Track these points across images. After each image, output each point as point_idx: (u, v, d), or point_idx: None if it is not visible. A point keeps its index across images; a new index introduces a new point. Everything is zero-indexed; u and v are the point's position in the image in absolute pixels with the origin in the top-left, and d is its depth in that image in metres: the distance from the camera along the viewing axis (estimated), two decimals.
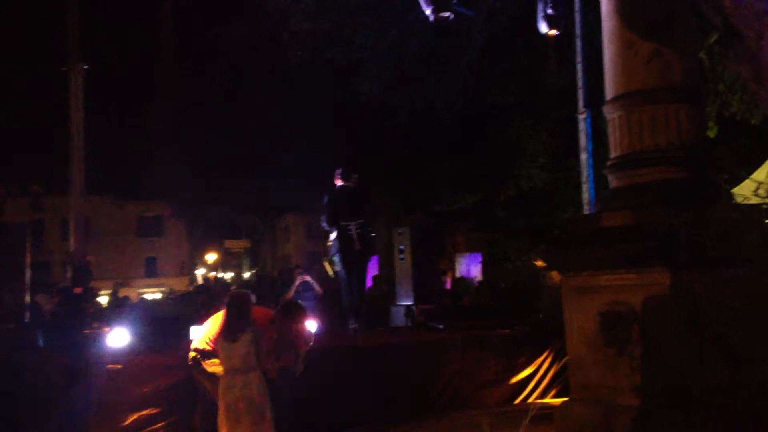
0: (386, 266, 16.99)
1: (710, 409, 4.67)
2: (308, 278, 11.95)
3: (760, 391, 3.97)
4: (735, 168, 13.37)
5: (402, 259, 14.30)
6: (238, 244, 50.11)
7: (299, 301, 9.21)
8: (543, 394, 8.91)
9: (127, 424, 7.36)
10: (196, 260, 49.35)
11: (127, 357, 7.28)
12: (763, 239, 4.02)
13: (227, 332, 5.91)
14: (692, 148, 5.61)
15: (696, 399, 4.77)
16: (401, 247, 14.40)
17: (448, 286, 18.91)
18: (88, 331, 9.66)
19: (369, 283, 17.94)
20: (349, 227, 9.67)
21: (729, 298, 4.11)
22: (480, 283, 18.33)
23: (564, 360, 7.97)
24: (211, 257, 48.42)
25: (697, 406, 4.75)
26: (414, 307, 12.91)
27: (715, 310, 4.19)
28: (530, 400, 8.77)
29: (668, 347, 4.94)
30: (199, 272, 46.03)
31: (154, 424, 6.99)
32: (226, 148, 19.83)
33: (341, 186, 9.93)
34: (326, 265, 16.07)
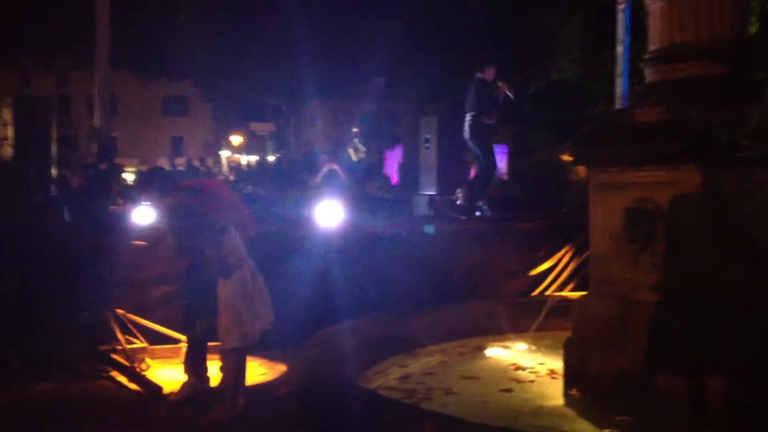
0: (411, 155, 16.93)
1: (731, 312, 4.66)
2: (335, 166, 11.96)
3: None
4: None
5: (427, 148, 14.24)
6: (264, 127, 50.03)
7: (326, 187, 9.27)
8: (561, 288, 8.99)
9: (153, 300, 7.56)
10: (222, 141, 49.46)
11: (152, 234, 7.37)
12: None
13: None
14: (734, 44, 5.39)
15: (716, 299, 4.76)
16: (427, 136, 14.29)
17: (472, 176, 18.86)
18: (113, 208, 9.79)
19: (394, 175, 17.93)
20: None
21: (761, 199, 4.02)
22: (505, 176, 18.25)
23: (584, 255, 7.99)
24: (236, 139, 48.47)
25: (717, 306, 4.75)
26: (437, 197, 12.93)
27: (744, 211, 4.11)
28: (548, 292, 8.85)
29: (692, 246, 4.89)
30: (224, 153, 46.22)
31: (176, 300, 7.14)
32: (254, 29, 19.50)
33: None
34: (351, 151, 16.02)
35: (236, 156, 45.74)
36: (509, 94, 10.59)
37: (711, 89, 5.14)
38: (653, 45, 5.64)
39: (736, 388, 4.57)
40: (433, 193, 13.47)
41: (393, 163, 21.41)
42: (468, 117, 10.56)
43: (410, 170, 15.21)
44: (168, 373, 6.70)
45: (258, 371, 6.79)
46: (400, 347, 6.77)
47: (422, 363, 6.63)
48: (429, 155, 14.13)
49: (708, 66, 5.33)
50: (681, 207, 4.96)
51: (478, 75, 10.56)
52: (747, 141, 4.14)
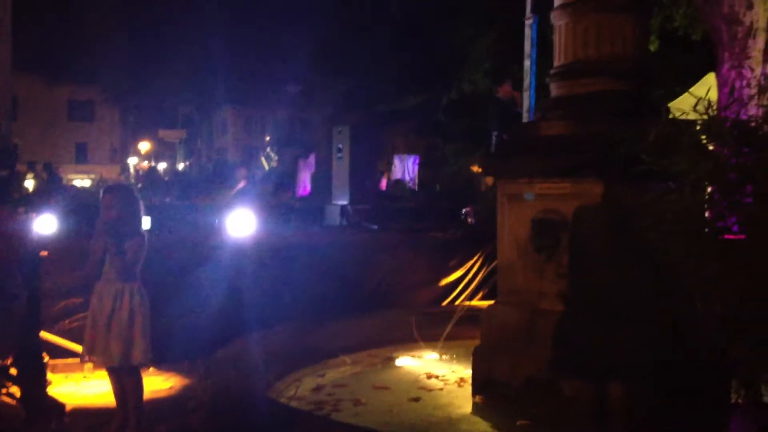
0: (323, 164, 16.92)
1: (632, 319, 4.83)
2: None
3: (682, 303, 4.10)
4: (674, 83, 13.51)
5: (340, 158, 14.24)
6: (173, 134, 49.08)
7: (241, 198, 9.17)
8: (471, 297, 9.13)
9: (56, 311, 7.29)
10: (129, 148, 48.27)
11: (55, 244, 7.12)
12: (697, 155, 4.08)
13: None
14: (635, 61, 5.61)
15: (617, 307, 4.93)
16: (340, 146, 14.30)
17: (385, 187, 18.99)
18: (14, 216, 9.40)
19: (306, 184, 17.84)
20: None
21: (660, 211, 4.19)
22: (417, 185, 18.42)
23: (493, 265, 8.13)
24: (144, 146, 47.38)
25: (618, 314, 4.92)
26: (349, 207, 12.95)
27: (643, 223, 4.27)
28: (458, 302, 8.98)
29: (595, 256, 5.06)
30: (132, 161, 45.12)
31: (83, 312, 6.91)
32: (165, 34, 19.14)
33: None
34: (263, 159, 15.91)
35: (144, 163, 44.70)
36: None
37: (613, 105, 5.34)
38: (559, 61, 5.82)
39: (636, 393, 4.74)
40: (346, 202, 13.48)
41: (306, 172, 21.37)
42: (492, 136, 10.96)
43: (323, 180, 15.19)
44: (70, 389, 6.48)
45: (165, 385, 6.64)
46: (312, 358, 6.74)
47: (334, 374, 6.61)
48: (341, 165, 14.15)
49: (610, 82, 5.52)
50: (584, 218, 5.14)
51: (496, 94, 10.97)
52: (645, 155, 4.30)
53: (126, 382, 5.21)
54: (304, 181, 20.82)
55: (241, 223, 8.57)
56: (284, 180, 16.70)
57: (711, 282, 3.83)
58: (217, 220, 9.07)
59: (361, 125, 16.08)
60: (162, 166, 43.47)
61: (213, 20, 17.86)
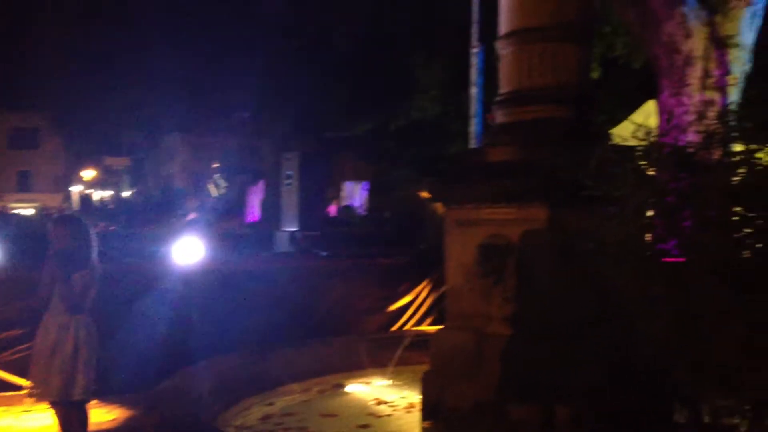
0: (272, 191, 16.85)
1: (576, 340, 4.88)
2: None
3: (625, 325, 4.17)
4: (615, 110, 13.81)
5: (289, 184, 14.20)
6: (119, 162, 48.37)
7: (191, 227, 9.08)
8: (420, 322, 9.14)
9: None
10: (73, 176, 47.37)
11: None
12: (638, 180, 4.17)
13: None
14: (578, 88, 5.73)
15: (563, 330, 4.98)
16: (289, 172, 14.27)
17: (334, 213, 18.97)
18: None
19: (255, 211, 17.74)
20: None
21: (603, 235, 4.26)
22: (366, 212, 18.45)
23: (442, 290, 8.17)
24: (89, 174, 46.57)
25: (564, 336, 4.97)
26: (298, 234, 12.90)
27: (587, 247, 4.34)
28: (408, 327, 8.98)
29: (541, 280, 5.12)
30: (76, 189, 44.27)
31: (22, 344, 6.74)
32: (110, 61, 18.93)
33: None
34: (211, 186, 15.78)
35: (89, 191, 43.93)
36: None
37: (557, 131, 5.44)
38: (504, 88, 5.92)
39: (583, 415, 4.79)
40: (295, 229, 13.43)
41: (255, 198, 21.25)
42: None
43: (272, 206, 15.11)
44: (9, 422, 6.28)
45: (108, 417, 6.48)
46: (261, 386, 6.66)
47: (283, 402, 6.54)
48: (291, 192, 14.10)
49: (554, 109, 5.63)
50: (530, 243, 5.20)
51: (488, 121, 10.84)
52: (589, 181, 4.39)
53: (72, 415, 5.07)
54: (253, 208, 20.69)
55: (188, 251, 8.48)
56: (233, 207, 16.58)
57: (652, 304, 3.91)
58: (163, 249, 8.94)
59: (311, 152, 16.08)
60: (107, 193, 42.78)
61: (160, 47, 17.74)
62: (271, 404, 6.42)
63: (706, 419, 4.07)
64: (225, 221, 17.69)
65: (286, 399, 6.62)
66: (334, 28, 16.30)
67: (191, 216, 11.81)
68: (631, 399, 4.62)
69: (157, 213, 14.39)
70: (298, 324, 8.26)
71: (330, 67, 18.24)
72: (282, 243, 13.31)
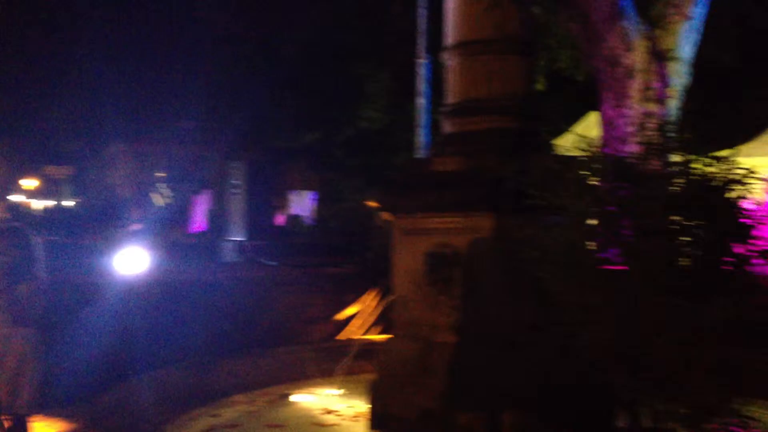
0: (219, 200, 16.71)
1: (521, 348, 4.95)
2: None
3: (568, 331, 4.24)
4: (559, 121, 14.07)
5: (235, 193, 14.11)
6: (60, 171, 47.33)
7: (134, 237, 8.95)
8: (367, 331, 9.15)
9: None
10: (12, 185, 46.18)
11: None
12: (580, 189, 4.26)
13: None
14: (522, 100, 5.82)
15: (509, 337, 5.05)
16: (235, 181, 14.18)
17: (282, 223, 18.89)
18: None
19: (201, 220, 17.55)
20: None
21: (546, 243, 4.33)
22: (313, 221, 18.41)
23: (389, 298, 8.19)
24: (29, 183, 45.47)
25: (510, 344, 5.03)
26: (245, 243, 12.82)
27: (532, 255, 4.41)
28: (355, 336, 8.98)
29: (487, 288, 5.19)
30: (15, 198, 43.21)
31: None
32: (51, 68, 18.57)
33: None
34: (156, 196, 15.56)
35: (28, 201, 42.92)
36: None
37: (502, 142, 5.52)
38: (450, 99, 5.99)
39: (527, 420, 4.85)
40: (242, 239, 13.33)
41: (200, 208, 21.02)
42: None
43: (218, 216, 14.98)
44: None
45: (50, 430, 6.33)
46: (206, 398, 6.59)
47: (229, 413, 6.47)
48: (237, 201, 14.01)
49: (499, 120, 5.72)
50: (476, 251, 5.26)
51: None
52: (532, 190, 4.46)
53: (13, 429, 4.94)
54: (199, 217, 20.47)
55: (131, 261, 8.36)
56: (178, 216, 16.38)
57: (593, 310, 3.99)
58: (106, 259, 8.79)
59: (258, 161, 16.02)
60: (49, 203, 41.84)
61: (103, 55, 17.46)
62: (216, 416, 6.34)
63: (646, 423, 4.16)
64: (170, 231, 17.46)
65: (232, 410, 6.55)
66: (283, 38, 16.25)
67: (135, 226, 11.63)
68: (574, 404, 4.71)
69: (100, 223, 14.12)
70: (244, 334, 8.20)
71: (278, 77, 18.18)
72: (228, 252, 13.20)
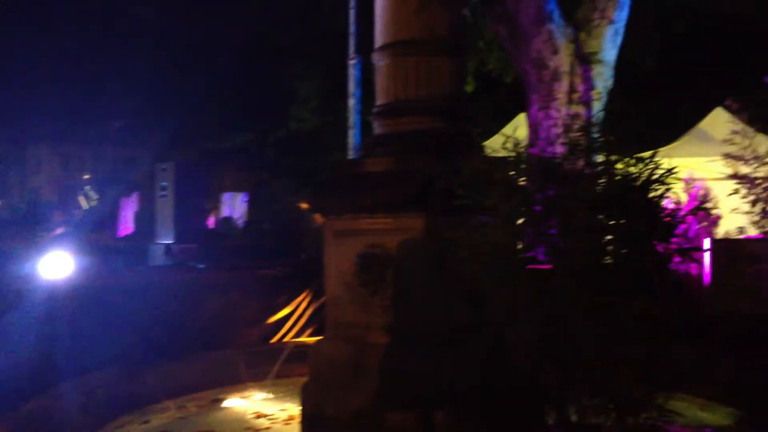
0: (147, 203, 16.41)
1: (453, 347, 5.00)
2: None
3: (498, 330, 4.30)
4: (489, 122, 14.28)
5: (164, 195, 13.87)
6: None
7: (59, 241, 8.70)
8: (300, 333, 9.10)
9: None
10: None
11: None
12: (508, 190, 4.33)
13: None
14: (452, 101, 5.87)
15: (440, 337, 5.09)
16: (164, 183, 13.94)
17: (213, 225, 18.66)
18: None
19: (129, 223, 17.19)
20: None
21: (475, 244, 4.39)
22: (245, 223, 18.25)
23: (321, 300, 8.17)
24: None
25: (442, 344, 5.07)
26: (174, 246, 12.62)
27: (462, 255, 4.46)
28: (288, 338, 8.92)
29: (418, 288, 5.22)
30: None
31: None
32: None
33: None
34: (82, 198, 15.19)
35: None
36: None
37: (431, 142, 5.56)
38: (380, 100, 6.01)
39: (460, 419, 4.90)
40: (171, 241, 13.11)
41: (129, 211, 20.60)
42: None
43: (147, 218, 14.70)
44: None
45: None
46: (135, 404, 6.47)
47: (159, 419, 6.37)
48: (166, 203, 13.77)
49: (429, 121, 5.76)
50: (407, 252, 5.29)
51: None
52: (462, 190, 4.52)
53: None
54: (127, 220, 20.06)
55: (56, 266, 8.14)
56: (105, 219, 16.02)
57: (521, 309, 4.06)
58: (30, 264, 8.54)
59: (187, 162, 15.78)
60: None
61: (30, 53, 16.96)
62: (146, 422, 6.24)
63: (574, 419, 4.25)
64: (97, 234, 17.06)
65: (162, 416, 6.45)
66: (214, 38, 16.06)
67: (59, 230, 11.32)
68: (505, 402, 4.78)
69: (23, 226, 13.71)
70: (174, 339, 8.05)
71: (209, 77, 17.97)
72: (157, 256, 12.98)
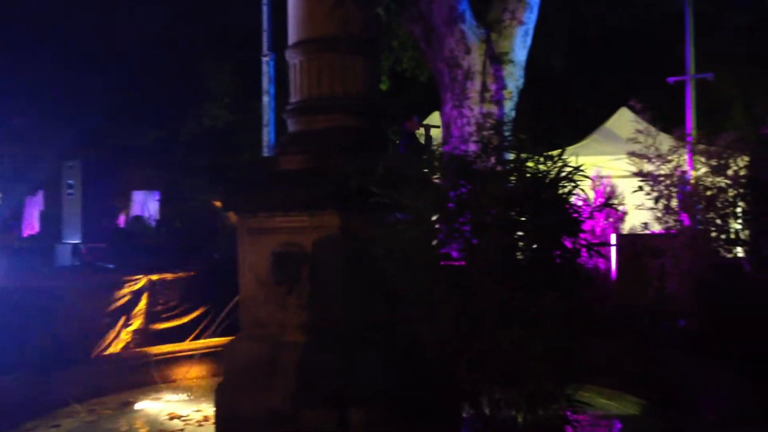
0: (53, 202, 15.88)
1: (369, 345, 5.03)
2: None
3: (414, 327, 4.35)
4: (405, 121, 14.38)
5: (71, 194, 13.43)
6: None
7: None
8: (214, 333, 8.98)
9: None
10: None
11: None
12: (421, 188, 4.38)
13: None
14: (366, 99, 5.90)
15: (357, 335, 5.11)
16: (70, 181, 13.50)
17: (123, 224, 18.21)
18: None
19: (35, 223, 16.60)
20: None
21: (390, 241, 4.43)
22: (157, 222, 17.87)
23: (235, 299, 8.08)
24: None
25: (357, 342, 5.10)
26: (82, 246, 12.25)
27: (378, 252, 4.49)
28: (202, 338, 8.80)
29: (334, 286, 5.22)
30: None
31: None
32: None
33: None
34: None
35: None
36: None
37: (346, 140, 5.57)
38: (294, 97, 5.98)
39: (376, 417, 4.93)
40: (78, 241, 12.73)
41: (34, 210, 19.90)
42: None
43: (53, 218, 14.23)
44: None
45: None
46: (43, 408, 6.28)
47: (69, 423, 6.19)
48: (73, 202, 13.35)
49: (343, 119, 5.77)
50: (323, 250, 5.29)
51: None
52: (376, 188, 4.54)
53: None
54: (32, 220, 19.38)
55: None
56: (9, 219, 15.44)
57: (435, 306, 4.11)
58: None
59: (95, 160, 15.32)
60: None
61: None
62: (56, 426, 6.06)
63: (487, 412, 4.33)
64: (2, 234, 16.44)
65: (72, 420, 6.27)
66: (123, 32, 15.65)
67: None
68: (421, 398, 4.83)
69: None
70: (82, 340, 7.83)
71: (118, 73, 17.52)
72: (64, 256, 12.58)
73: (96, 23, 15.57)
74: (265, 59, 12.20)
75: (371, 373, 4.98)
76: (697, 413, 5.52)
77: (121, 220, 18.90)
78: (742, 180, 8.68)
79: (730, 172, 8.82)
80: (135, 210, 20.89)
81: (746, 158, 8.83)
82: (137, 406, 6.79)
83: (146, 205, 20.96)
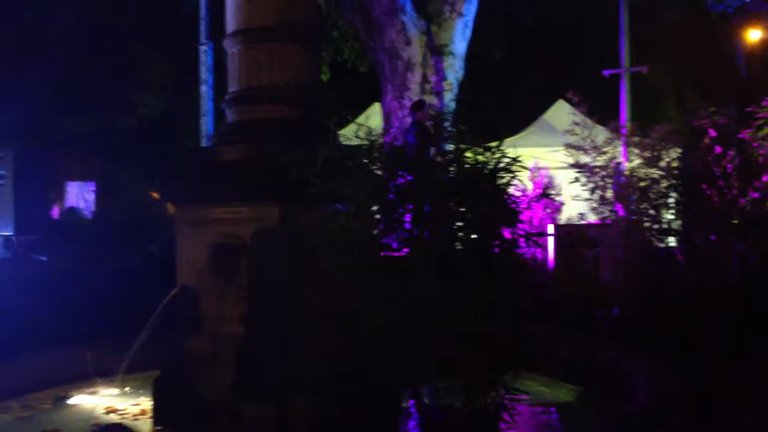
0: None
1: (308, 336, 5.02)
2: None
3: (353, 317, 4.35)
4: (344, 111, 14.38)
5: (2, 185, 13.08)
6: None
7: None
8: (152, 326, 8.83)
9: None
10: None
11: None
12: (361, 178, 4.38)
13: None
14: (306, 89, 5.87)
15: (297, 325, 5.09)
16: (2, 172, 13.15)
17: (57, 215, 17.81)
18: None
19: None
20: None
21: (330, 231, 4.42)
22: (93, 213, 17.54)
23: (173, 292, 7.96)
24: None
25: (298, 332, 5.08)
26: (14, 238, 11.94)
27: (317, 243, 4.48)
28: (140, 332, 8.65)
29: (274, 278, 5.19)
30: None
31: None
32: None
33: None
34: None
35: None
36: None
37: (285, 130, 5.55)
38: (233, 87, 5.92)
39: (316, 407, 4.92)
40: (9, 233, 12.41)
41: None
42: None
43: None
44: None
45: None
46: None
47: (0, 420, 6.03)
48: (4, 192, 13.00)
49: (283, 109, 5.73)
50: (263, 241, 5.24)
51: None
52: (315, 178, 4.53)
53: None
54: None
55: None
56: None
57: (375, 296, 4.13)
58: None
59: (28, 150, 14.93)
60: None
61: None
62: None
63: (427, 401, 4.37)
64: None
65: (4, 416, 6.10)
66: (55, 21, 15.25)
67: None
68: (361, 388, 4.84)
69: None
70: (13, 335, 7.63)
71: (50, 60, 17.06)
72: None
73: (29, 10, 15.12)
74: (203, 48, 12.04)
75: (310, 363, 4.98)
76: (630, 400, 5.66)
77: (55, 211, 18.47)
78: (675, 171, 8.91)
79: (662, 164, 9.04)
80: (70, 201, 20.43)
81: (678, 150, 9.06)
82: (72, 400, 6.64)
83: (81, 196, 20.53)
